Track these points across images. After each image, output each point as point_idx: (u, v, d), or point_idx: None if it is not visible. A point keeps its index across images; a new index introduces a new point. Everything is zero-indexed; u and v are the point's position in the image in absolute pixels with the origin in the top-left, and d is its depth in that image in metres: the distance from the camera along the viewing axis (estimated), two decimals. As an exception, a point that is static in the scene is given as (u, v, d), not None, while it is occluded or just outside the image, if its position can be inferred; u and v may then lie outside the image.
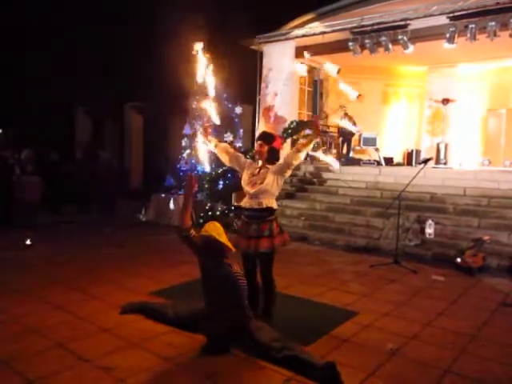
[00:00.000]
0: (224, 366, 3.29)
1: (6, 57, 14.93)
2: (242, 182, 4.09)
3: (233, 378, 3.13)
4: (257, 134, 11.54)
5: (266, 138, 4.08)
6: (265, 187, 3.91)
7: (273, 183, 3.94)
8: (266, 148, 3.99)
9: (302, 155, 3.94)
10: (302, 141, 4.03)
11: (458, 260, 6.30)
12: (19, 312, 4.29)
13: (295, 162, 3.96)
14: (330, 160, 4.70)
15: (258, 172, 4.00)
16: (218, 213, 8.77)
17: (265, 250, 3.87)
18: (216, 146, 4.23)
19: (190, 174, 4.52)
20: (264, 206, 3.92)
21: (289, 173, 4.07)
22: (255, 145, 4.15)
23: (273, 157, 4.03)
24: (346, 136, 11.99)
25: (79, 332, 3.85)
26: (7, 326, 3.98)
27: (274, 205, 3.99)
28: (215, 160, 10.05)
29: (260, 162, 4.06)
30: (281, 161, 4.02)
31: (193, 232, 3.82)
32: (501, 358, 3.56)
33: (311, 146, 3.93)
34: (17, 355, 3.38)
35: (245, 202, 4.03)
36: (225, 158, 4.20)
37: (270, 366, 3.26)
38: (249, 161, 4.22)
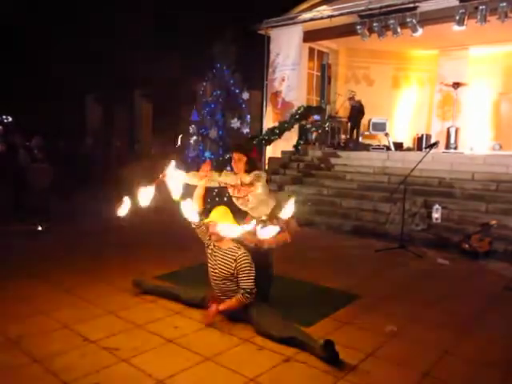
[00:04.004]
0: (224, 346, 3.36)
1: (18, 44, 15.05)
2: (233, 198, 4.07)
3: (233, 358, 3.18)
4: (264, 121, 11.56)
5: (243, 148, 4.02)
6: (254, 203, 3.92)
7: (259, 196, 3.90)
8: (244, 160, 3.90)
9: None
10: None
11: (465, 245, 6.29)
12: (28, 294, 4.40)
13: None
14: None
15: (241, 187, 3.90)
16: (225, 198, 8.81)
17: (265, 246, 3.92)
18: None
19: (206, 160, 4.53)
20: (263, 217, 3.93)
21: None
22: (233, 156, 4.00)
23: (251, 168, 3.91)
24: (354, 121, 11.92)
25: (85, 314, 3.94)
26: (17, 307, 4.09)
27: (272, 206, 3.98)
28: (223, 145, 10.15)
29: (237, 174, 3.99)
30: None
31: (203, 217, 3.92)
32: (501, 341, 3.57)
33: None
34: (25, 335, 3.48)
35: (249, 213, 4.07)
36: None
37: (269, 346, 3.32)
38: (223, 174, 4.10)
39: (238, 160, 3.93)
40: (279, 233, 3.98)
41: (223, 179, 4.08)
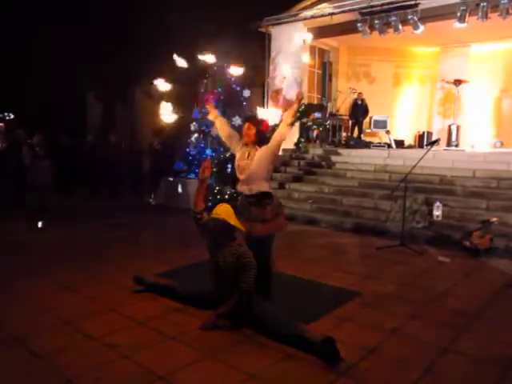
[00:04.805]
0: (225, 343, 3.37)
1: (19, 42, 15.04)
2: (235, 166, 4.10)
3: (233, 355, 3.20)
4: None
5: (254, 119, 4.08)
6: (252, 172, 3.92)
7: (261, 167, 3.92)
8: (254, 130, 3.96)
9: (289, 129, 3.92)
10: (287, 113, 3.94)
11: (466, 242, 6.28)
12: (30, 291, 4.42)
13: (282, 137, 3.92)
14: None
15: (247, 157, 3.98)
16: (226, 196, 8.83)
17: (257, 236, 3.88)
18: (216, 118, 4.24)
19: (207, 158, 4.53)
20: (254, 191, 3.94)
21: (278, 151, 4.04)
22: (243, 126, 4.08)
23: (261, 140, 3.98)
24: (357, 118, 11.93)
25: (86, 311, 3.95)
26: (19, 304, 4.11)
27: (265, 188, 3.97)
28: (224, 144, 10.14)
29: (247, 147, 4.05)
30: (270, 142, 3.97)
31: (205, 215, 3.90)
32: (501, 338, 3.58)
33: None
34: (26, 332, 3.51)
35: (239, 187, 4.09)
36: (222, 132, 4.21)
37: (270, 344, 3.34)
38: (241, 144, 4.14)
39: (248, 129, 3.98)
40: (274, 219, 3.97)
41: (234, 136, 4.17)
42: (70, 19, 15.42)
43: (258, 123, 4.02)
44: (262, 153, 3.93)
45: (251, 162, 3.94)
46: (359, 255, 6.09)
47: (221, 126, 4.21)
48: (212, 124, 9.99)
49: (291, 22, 10.99)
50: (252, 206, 3.95)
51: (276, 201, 4.11)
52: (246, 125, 4.02)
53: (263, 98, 11.92)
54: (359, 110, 11.81)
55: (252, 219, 3.91)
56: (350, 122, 12.16)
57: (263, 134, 4.01)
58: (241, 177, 4.00)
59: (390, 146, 11.12)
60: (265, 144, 3.97)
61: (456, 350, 3.34)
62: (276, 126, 4.25)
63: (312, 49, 12.31)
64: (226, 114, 10.20)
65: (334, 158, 10.09)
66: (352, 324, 3.79)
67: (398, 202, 7.41)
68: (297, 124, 10.74)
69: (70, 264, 5.38)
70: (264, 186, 3.96)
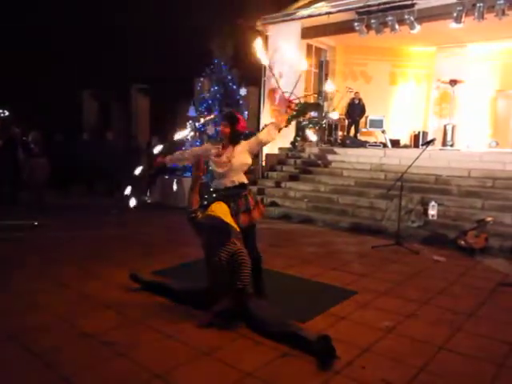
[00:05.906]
0: (222, 341, 3.38)
1: (15, 39, 14.97)
2: (211, 164, 4.17)
3: (230, 353, 3.20)
4: (262, 117, 11.58)
5: (230, 118, 4.14)
6: (233, 166, 3.99)
7: (241, 161, 4.03)
8: (228, 129, 4.06)
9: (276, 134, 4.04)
10: (279, 119, 4.14)
11: (461, 241, 6.32)
12: (27, 289, 4.42)
13: (270, 140, 4.09)
14: None
15: (223, 152, 4.06)
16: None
17: (245, 225, 3.93)
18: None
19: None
20: (237, 183, 4.03)
21: (257, 150, 4.20)
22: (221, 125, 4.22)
23: (235, 138, 4.08)
24: (354, 118, 11.95)
25: (83, 309, 3.95)
26: (15, 302, 4.10)
27: (245, 180, 4.11)
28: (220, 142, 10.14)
29: (222, 143, 4.16)
30: (252, 138, 4.11)
31: (199, 213, 3.90)
32: (496, 335, 3.60)
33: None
34: (23, 330, 3.50)
35: (217, 183, 4.14)
36: (191, 159, 4.32)
37: (266, 342, 3.34)
38: (209, 144, 4.37)
39: (224, 127, 4.11)
40: (256, 207, 4.07)
41: (203, 148, 4.35)
42: (69, 18, 15.38)
43: (234, 122, 4.09)
44: (243, 148, 4.05)
45: (229, 157, 4.01)
46: (355, 254, 6.11)
47: (186, 158, 4.37)
48: (209, 123, 10.05)
49: (288, 21, 10.99)
50: (232, 200, 3.99)
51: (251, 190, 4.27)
52: (223, 123, 4.16)
53: (260, 96, 11.92)
54: (356, 109, 11.84)
55: (238, 211, 3.96)
56: (346, 121, 12.18)
57: (238, 134, 4.11)
58: (219, 170, 4.06)
59: (385, 145, 11.16)
60: (238, 142, 4.07)
61: (451, 349, 3.36)
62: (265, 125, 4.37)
63: (309, 48, 12.32)
64: (222, 112, 10.21)
65: (330, 157, 10.11)
66: (348, 322, 3.81)
67: (394, 201, 7.45)
68: (293, 123, 10.74)
69: (67, 262, 5.38)
70: (244, 178, 4.10)
